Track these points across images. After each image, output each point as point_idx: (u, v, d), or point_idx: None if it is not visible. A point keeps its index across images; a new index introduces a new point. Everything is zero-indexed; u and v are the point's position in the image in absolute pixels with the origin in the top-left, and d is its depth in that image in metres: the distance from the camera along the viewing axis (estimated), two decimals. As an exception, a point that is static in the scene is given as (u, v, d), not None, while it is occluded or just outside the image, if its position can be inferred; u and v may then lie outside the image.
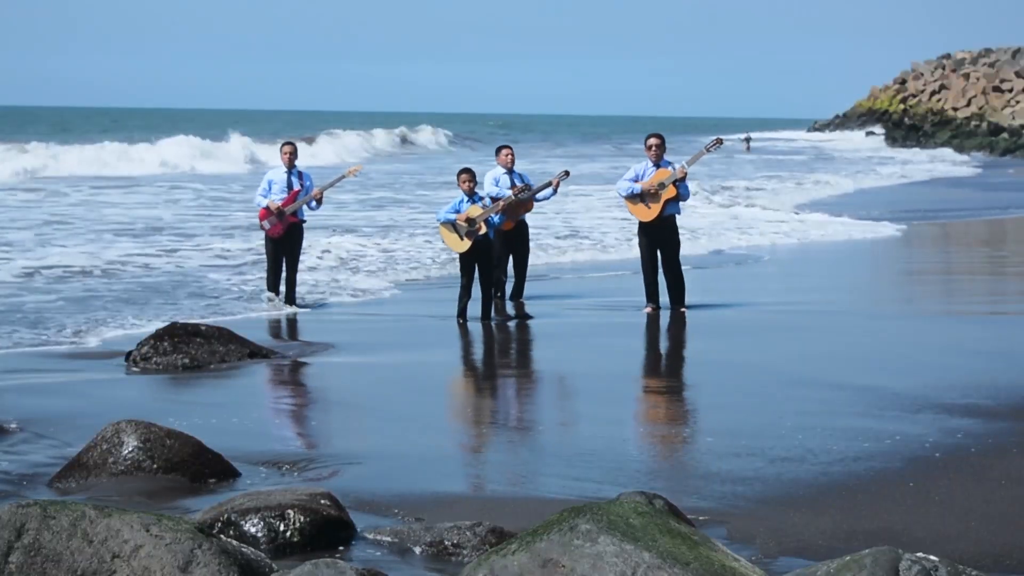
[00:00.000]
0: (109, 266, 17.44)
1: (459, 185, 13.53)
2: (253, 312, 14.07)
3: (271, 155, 44.36)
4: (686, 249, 15.98)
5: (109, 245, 19.88)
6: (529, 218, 15.45)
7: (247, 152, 48.47)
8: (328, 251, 19.26)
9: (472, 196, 13.49)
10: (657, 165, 14.02)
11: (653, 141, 14.11)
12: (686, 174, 13.92)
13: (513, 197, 14.31)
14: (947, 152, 66.03)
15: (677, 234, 14.20)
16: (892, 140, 76.78)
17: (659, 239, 14.00)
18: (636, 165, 14.27)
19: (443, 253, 18.48)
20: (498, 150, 15.48)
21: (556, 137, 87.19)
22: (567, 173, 15.33)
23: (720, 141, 14.93)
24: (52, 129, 74.58)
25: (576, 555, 4.93)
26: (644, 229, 14.06)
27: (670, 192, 13.88)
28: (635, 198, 13.95)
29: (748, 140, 74.10)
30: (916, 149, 69.50)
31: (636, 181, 13.97)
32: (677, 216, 14.19)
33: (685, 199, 14.16)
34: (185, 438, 7.45)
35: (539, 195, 14.98)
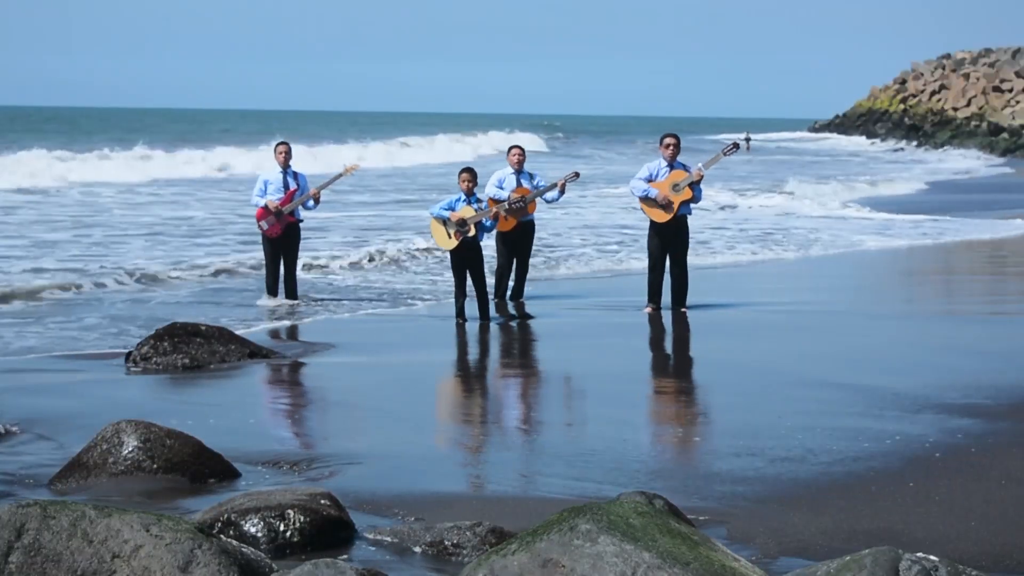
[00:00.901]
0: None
1: (459, 183, 13.54)
2: (252, 313, 14.07)
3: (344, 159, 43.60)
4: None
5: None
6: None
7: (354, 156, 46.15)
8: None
9: (470, 196, 13.49)
10: (671, 166, 14.02)
11: (670, 141, 14.12)
12: (702, 177, 13.94)
13: (507, 206, 14.35)
14: (960, 152, 65.60)
15: (687, 234, 14.22)
16: (910, 140, 75.36)
17: (671, 240, 14.00)
18: (650, 164, 14.25)
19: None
20: (508, 150, 15.47)
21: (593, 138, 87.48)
22: (577, 174, 15.34)
23: (737, 146, 14.94)
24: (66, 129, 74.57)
25: (576, 555, 4.92)
26: (658, 229, 14.05)
27: (686, 194, 13.89)
28: (650, 199, 13.95)
29: (748, 139, 74.13)
30: (935, 149, 68.96)
31: (650, 180, 13.96)
32: (688, 216, 14.22)
33: (698, 201, 14.17)
34: (185, 438, 7.45)
35: (547, 196, 14.97)
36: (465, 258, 13.48)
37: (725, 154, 14.55)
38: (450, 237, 13.44)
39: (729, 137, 70.63)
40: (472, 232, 13.39)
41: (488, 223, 13.61)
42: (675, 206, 13.84)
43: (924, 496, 7.02)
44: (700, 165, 14.07)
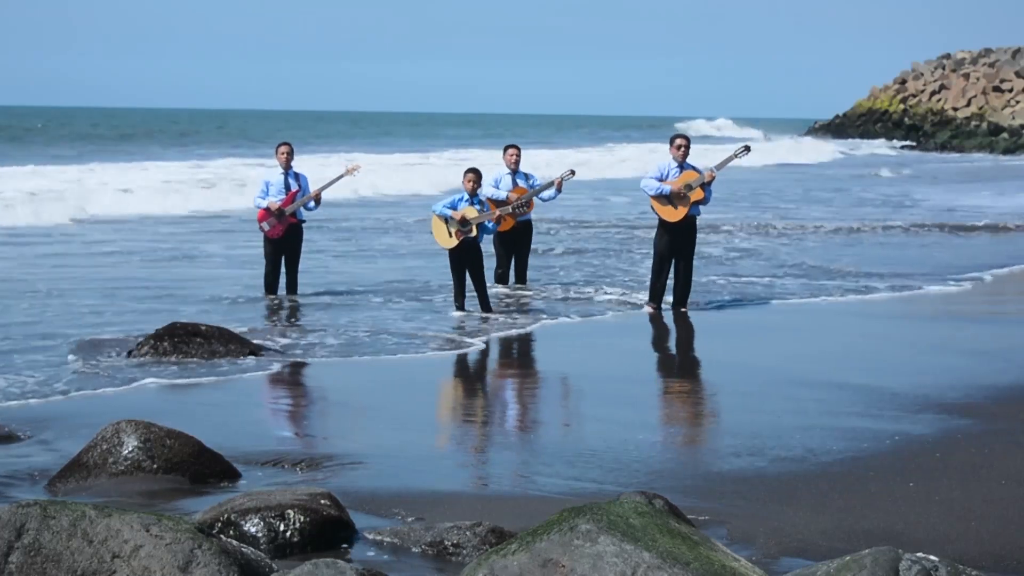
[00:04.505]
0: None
1: (463, 183, 13.59)
2: (252, 311, 14.07)
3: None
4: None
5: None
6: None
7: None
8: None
9: (473, 197, 13.56)
10: (682, 167, 14.04)
11: (681, 141, 14.16)
12: (714, 178, 13.98)
13: (510, 210, 14.40)
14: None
15: (696, 234, 14.27)
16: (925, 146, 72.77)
17: (681, 239, 14.02)
18: (660, 163, 14.25)
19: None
20: (505, 150, 15.48)
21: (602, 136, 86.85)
22: (572, 172, 15.37)
23: (748, 148, 14.96)
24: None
25: (576, 555, 4.92)
26: (668, 229, 14.05)
27: (698, 194, 13.93)
28: (663, 198, 13.97)
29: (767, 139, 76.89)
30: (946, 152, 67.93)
31: (661, 180, 13.98)
32: (697, 217, 14.26)
33: (707, 203, 14.19)
34: (185, 438, 7.45)
35: (544, 195, 15.00)
36: (464, 258, 13.53)
37: (736, 156, 14.57)
38: (451, 236, 13.48)
39: (732, 136, 70.64)
40: (474, 233, 13.45)
41: (491, 225, 13.69)
42: (688, 204, 13.88)
43: (924, 496, 7.02)
44: (713, 167, 14.11)
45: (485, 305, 13.63)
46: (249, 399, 9.95)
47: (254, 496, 6.35)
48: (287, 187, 14.94)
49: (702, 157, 25.20)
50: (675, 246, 14.03)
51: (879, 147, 70.69)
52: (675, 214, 13.96)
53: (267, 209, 14.87)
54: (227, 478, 7.42)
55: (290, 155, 15.14)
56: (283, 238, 14.90)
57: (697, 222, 14.25)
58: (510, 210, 14.46)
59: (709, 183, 13.95)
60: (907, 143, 73.61)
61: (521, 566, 4.95)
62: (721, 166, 14.21)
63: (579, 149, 59.83)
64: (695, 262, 14.48)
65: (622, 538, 4.94)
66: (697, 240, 14.37)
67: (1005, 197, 32.70)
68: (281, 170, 15.05)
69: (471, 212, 13.46)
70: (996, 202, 30.98)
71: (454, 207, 13.48)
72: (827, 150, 64.29)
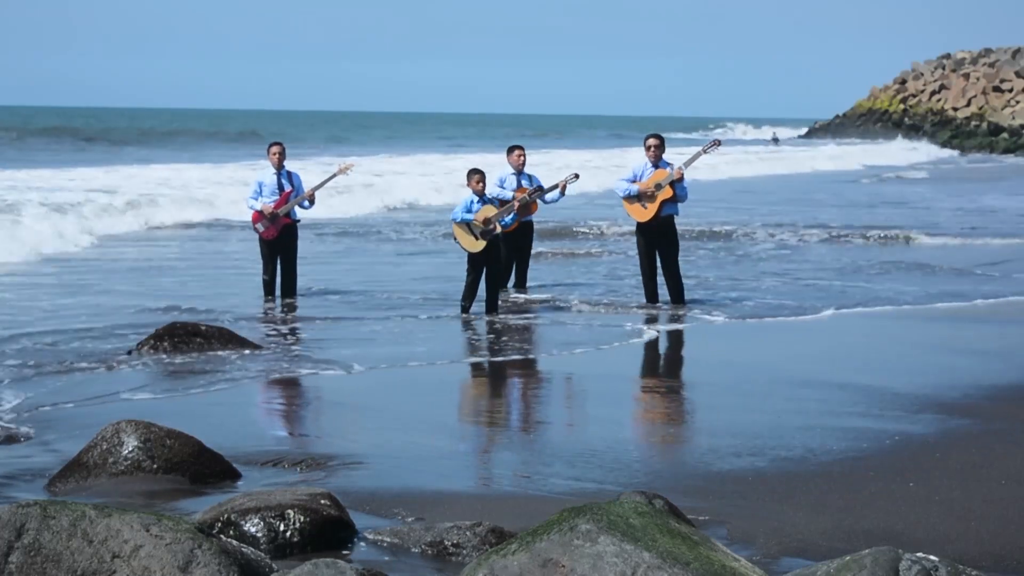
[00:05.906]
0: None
1: (470, 185, 13.64)
2: (252, 312, 14.08)
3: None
4: None
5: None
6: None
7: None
8: None
9: (482, 197, 13.64)
10: (655, 166, 14.11)
11: (652, 142, 14.22)
12: (683, 175, 14.02)
13: (527, 198, 14.47)
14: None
15: (675, 235, 14.28)
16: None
17: (657, 240, 14.08)
18: (635, 165, 14.38)
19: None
20: (510, 150, 15.48)
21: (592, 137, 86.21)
22: (576, 176, 15.43)
23: (718, 143, 14.98)
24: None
25: (576, 555, 4.92)
26: (641, 229, 14.17)
27: (667, 193, 13.97)
28: (632, 198, 14.05)
29: (776, 139, 76.79)
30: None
31: (634, 181, 14.07)
32: (675, 217, 14.27)
33: (683, 200, 14.22)
34: (185, 438, 7.45)
35: (547, 197, 15.05)
36: (487, 257, 13.61)
37: (705, 151, 14.59)
38: (477, 239, 13.58)
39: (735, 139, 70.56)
40: (498, 230, 13.62)
41: (509, 219, 13.86)
42: (657, 203, 13.93)
43: (924, 496, 7.02)
44: (680, 164, 14.16)
45: (493, 307, 13.68)
46: (249, 399, 9.95)
47: (254, 496, 6.35)
48: (280, 187, 14.93)
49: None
50: (652, 246, 14.10)
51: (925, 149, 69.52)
52: (644, 213, 14.02)
53: (260, 211, 14.86)
54: (227, 478, 7.42)
55: (282, 155, 15.13)
56: (278, 239, 14.89)
57: (675, 222, 14.27)
58: (527, 198, 14.58)
59: (679, 180, 14.01)
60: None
61: (521, 566, 4.95)
62: (689, 163, 14.25)
63: (582, 151, 59.77)
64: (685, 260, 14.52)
65: (622, 538, 4.94)
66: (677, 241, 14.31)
67: None
68: (274, 170, 15.04)
69: (491, 210, 13.60)
70: None
71: (470, 210, 13.57)
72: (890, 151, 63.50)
